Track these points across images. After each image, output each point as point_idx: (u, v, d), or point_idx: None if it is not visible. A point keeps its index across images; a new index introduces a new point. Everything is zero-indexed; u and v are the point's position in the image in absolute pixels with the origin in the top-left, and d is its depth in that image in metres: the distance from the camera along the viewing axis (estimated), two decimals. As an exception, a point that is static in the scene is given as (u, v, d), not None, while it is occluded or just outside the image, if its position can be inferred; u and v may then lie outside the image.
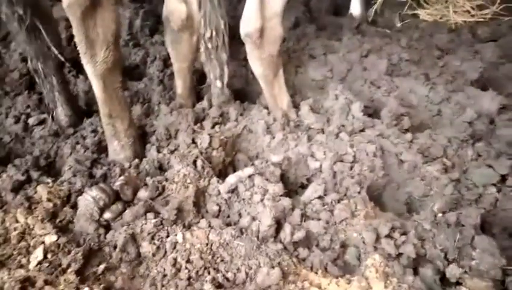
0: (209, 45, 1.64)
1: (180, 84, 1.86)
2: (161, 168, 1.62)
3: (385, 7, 2.99)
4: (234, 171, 1.69)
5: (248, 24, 1.59)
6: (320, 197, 1.41)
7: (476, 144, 1.61)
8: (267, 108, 1.87)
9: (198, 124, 1.79)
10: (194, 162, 1.52)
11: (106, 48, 1.43)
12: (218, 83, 1.74)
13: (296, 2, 2.80)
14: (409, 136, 1.68)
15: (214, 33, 1.60)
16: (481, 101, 1.83)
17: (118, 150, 1.65)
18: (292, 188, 1.63)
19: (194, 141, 1.68)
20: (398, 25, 2.74)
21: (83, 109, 1.98)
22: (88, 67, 1.46)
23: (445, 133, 1.69)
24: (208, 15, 1.59)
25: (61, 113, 1.77)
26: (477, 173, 1.47)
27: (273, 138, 1.73)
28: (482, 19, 2.86)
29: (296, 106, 1.90)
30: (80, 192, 1.45)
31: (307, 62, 2.19)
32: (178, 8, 1.61)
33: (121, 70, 1.55)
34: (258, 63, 1.70)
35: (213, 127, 1.79)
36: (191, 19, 1.65)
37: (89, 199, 1.30)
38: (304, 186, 1.61)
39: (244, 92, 2.13)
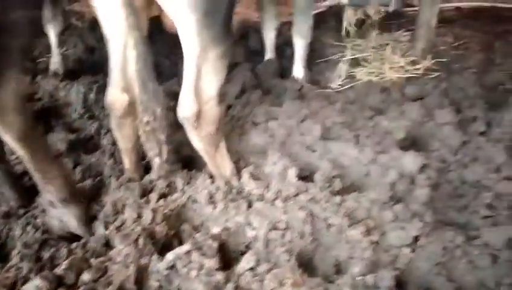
0: (147, 128, 1.79)
1: (127, 161, 2.00)
2: (108, 245, 1.72)
3: (326, 67, 3.25)
4: (179, 242, 1.80)
5: (184, 109, 1.75)
6: (252, 268, 1.53)
7: (395, 206, 1.78)
8: (212, 176, 2.01)
9: (145, 198, 1.91)
10: (136, 240, 1.63)
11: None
12: (157, 160, 1.88)
13: (243, 69, 3.03)
14: (338, 199, 1.85)
15: (151, 118, 1.75)
16: (403, 162, 2.03)
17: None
18: (233, 255, 1.75)
19: (139, 216, 1.79)
20: (337, 84, 2.98)
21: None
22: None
23: (370, 195, 1.86)
24: (145, 103, 1.74)
25: (10, 196, 1.86)
26: (393, 235, 1.64)
27: (215, 207, 1.86)
28: (414, 74, 3.15)
29: (239, 172, 2.05)
30: (27, 277, 1.53)
31: (250, 129, 2.37)
32: (120, 98, 1.77)
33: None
34: (197, 141, 1.86)
35: (160, 198, 1.91)
36: (133, 105, 1.80)
37: (33, 289, 1.38)
38: (243, 254, 1.73)
39: (192, 158, 2.27)
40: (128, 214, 1.79)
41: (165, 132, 1.81)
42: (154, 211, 1.78)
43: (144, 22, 1.87)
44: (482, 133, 2.31)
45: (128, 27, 1.65)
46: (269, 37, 3.13)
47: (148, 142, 1.85)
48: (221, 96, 1.85)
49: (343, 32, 3.08)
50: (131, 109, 1.80)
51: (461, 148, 2.19)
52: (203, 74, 1.74)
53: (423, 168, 2.01)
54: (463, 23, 4.10)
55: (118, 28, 1.69)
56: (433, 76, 2.99)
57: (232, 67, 3.14)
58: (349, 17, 3.45)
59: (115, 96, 1.77)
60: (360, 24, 3.65)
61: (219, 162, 1.99)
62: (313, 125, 2.32)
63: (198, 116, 1.77)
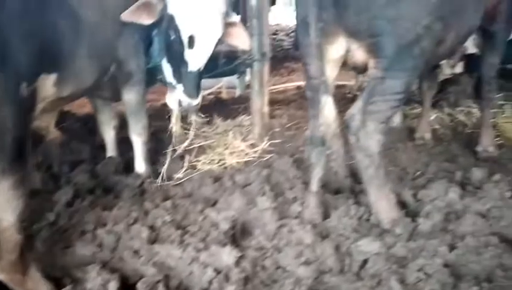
0: None
1: None
2: None
3: (172, 157, 3.37)
4: None
5: (-24, 243, 1.68)
6: None
7: (207, 308, 1.88)
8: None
9: None
10: None
11: None
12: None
13: (83, 169, 3.01)
14: (152, 311, 1.88)
15: None
16: (221, 257, 2.16)
17: None
18: None
19: None
20: (179, 176, 3.11)
21: None
22: None
23: (187, 299, 1.93)
24: None
25: None
26: None
27: None
28: (252, 158, 3.44)
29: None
30: None
31: (77, 240, 2.33)
32: None
33: None
34: (-2, 273, 1.78)
35: None
36: None
37: None
38: None
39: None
40: None
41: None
42: None
43: None
44: (297, 215, 2.59)
45: None
46: (108, 136, 3.19)
47: None
48: (24, 221, 1.82)
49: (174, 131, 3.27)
50: None
51: (277, 233, 2.41)
52: (-4, 204, 1.71)
53: (239, 260, 2.16)
54: (299, 102, 4.66)
55: None
56: (264, 159, 3.31)
57: (72, 167, 3.11)
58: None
59: None
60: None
61: (31, 288, 1.90)
62: (141, 227, 2.37)
63: (-6, 248, 1.72)
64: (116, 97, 2.94)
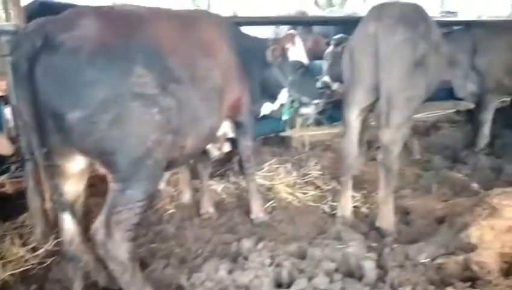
0: None
1: None
2: None
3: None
4: None
5: None
6: None
7: None
8: None
9: None
10: None
11: None
12: None
13: None
14: None
15: None
16: None
17: None
18: None
19: None
20: None
21: None
22: None
23: None
24: None
25: None
26: None
27: None
28: (31, 265, 3.17)
29: None
30: None
31: None
32: None
33: None
34: None
35: None
36: None
37: None
38: None
39: None
40: None
41: None
42: None
43: None
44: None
45: None
46: None
47: None
48: None
49: None
50: None
51: None
52: None
53: None
54: (96, 188, 4.52)
55: None
56: (45, 264, 3.10)
57: None
58: None
59: None
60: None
61: None
62: None
63: None
64: None
